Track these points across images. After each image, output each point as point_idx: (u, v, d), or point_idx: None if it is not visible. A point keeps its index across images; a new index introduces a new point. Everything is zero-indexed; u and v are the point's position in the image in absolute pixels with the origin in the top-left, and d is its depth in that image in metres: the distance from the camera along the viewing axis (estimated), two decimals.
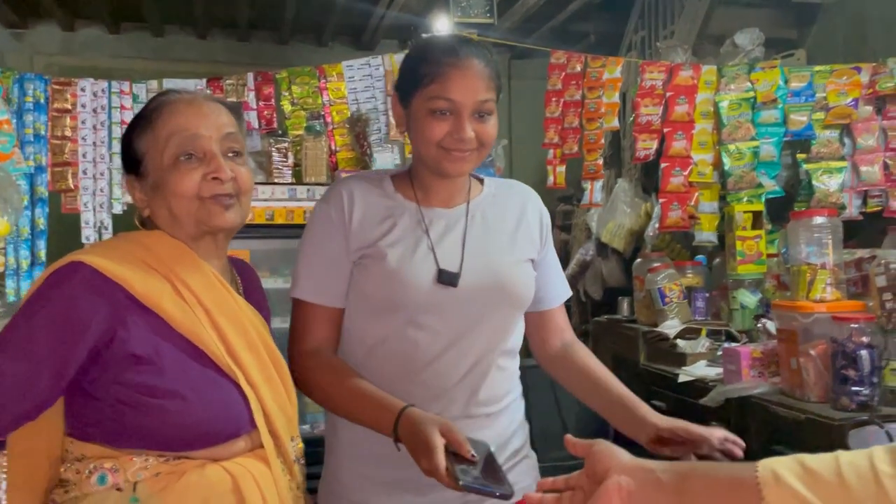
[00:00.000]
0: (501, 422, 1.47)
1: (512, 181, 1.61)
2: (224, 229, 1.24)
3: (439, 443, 1.12)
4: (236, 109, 1.32)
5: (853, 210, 3.46)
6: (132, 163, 1.24)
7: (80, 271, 1.11)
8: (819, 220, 2.50)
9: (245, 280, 1.37)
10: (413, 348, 1.37)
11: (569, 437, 1.03)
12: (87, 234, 3.46)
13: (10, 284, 3.30)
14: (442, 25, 4.28)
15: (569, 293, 1.64)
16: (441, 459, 1.11)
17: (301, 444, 1.30)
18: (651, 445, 1.39)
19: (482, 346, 1.42)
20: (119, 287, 1.12)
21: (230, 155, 1.23)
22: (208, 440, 1.14)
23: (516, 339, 1.52)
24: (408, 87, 1.38)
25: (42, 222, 3.41)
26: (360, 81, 3.80)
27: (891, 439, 1.72)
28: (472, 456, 1.13)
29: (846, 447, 2.10)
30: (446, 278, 1.36)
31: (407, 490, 1.37)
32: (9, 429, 1.10)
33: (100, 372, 1.11)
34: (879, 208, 3.50)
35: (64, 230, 3.80)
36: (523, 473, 1.49)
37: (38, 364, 1.08)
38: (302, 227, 3.32)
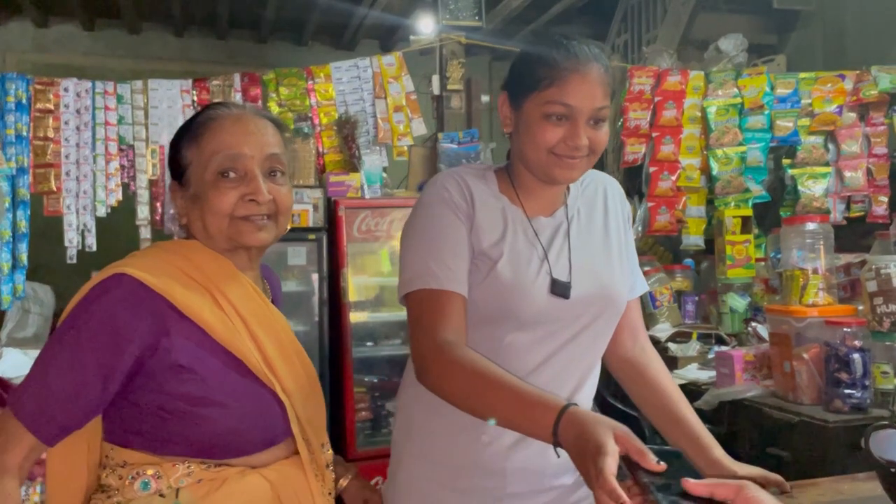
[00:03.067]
0: None
1: (590, 171, 1.49)
2: (255, 248, 1.25)
3: (613, 449, 0.94)
4: (283, 126, 1.31)
5: (837, 215, 3.55)
6: (177, 171, 1.25)
7: (124, 283, 1.12)
8: (811, 226, 2.55)
9: (271, 286, 1.38)
10: (515, 355, 1.32)
11: (692, 482, 0.90)
12: (70, 236, 3.38)
13: None
14: (426, 27, 4.27)
15: (645, 287, 1.55)
16: (612, 466, 0.92)
17: (331, 451, 1.31)
18: None
19: (588, 353, 1.40)
20: (161, 298, 1.13)
21: (271, 174, 1.23)
22: (247, 447, 1.16)
23: None
24: (521, 88, 1.32)
25: (24, 225, 3.31)
26: (349, 83, 3.77)
27: None
28: (658, 462, 0.94)
29: (840, 448, 2.16)
30: (560, 290, 1.32)
31: (487, 500, 1.35)
32: (58, 437, 1.11)
33: (144, 381, 1.12)
34: (862, 213, 3.59)
35: (46, 233, 3.73)
36: None
37: (86, 375, 1.09)
38: (290, 229, 3.36)
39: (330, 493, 1.27)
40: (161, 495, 1.11)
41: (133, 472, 1.13)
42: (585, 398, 1.42)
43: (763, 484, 1.35)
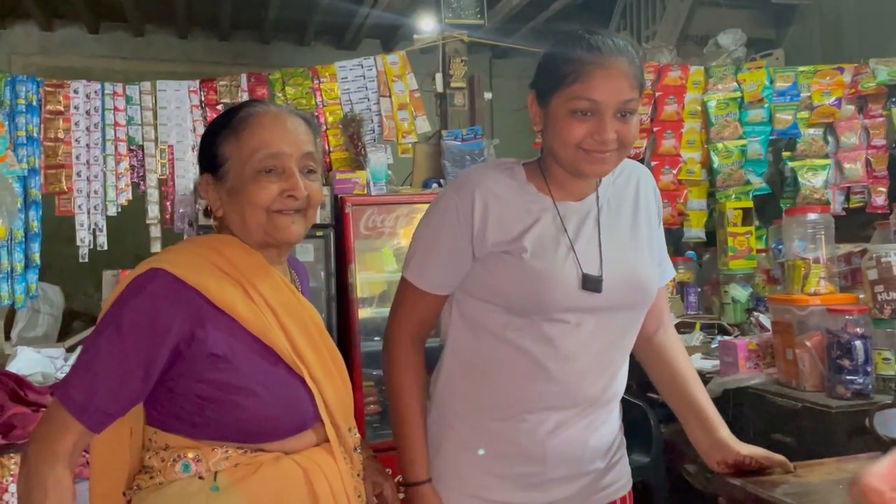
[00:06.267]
0: (615, 415, 1.48)
1: (625, 161, 1.47)
2: (290, 243, 1.30)
3: None
4: (315, 125, 1.36)
5: (836, 206, 3.59)
6: (212, 164, 1.29)
7: (160, 277, 1.17)
8: (813, 216, 2.59)
9: (299, 277, 1.42)
10: (552, 344, 1.35)
11: None
12: (82, 236, 3.43)
13: (3, 288, 3.26)
14: (427, 25, 4.31)
15: (673, 273, 1.58)
16: None
17: (358, 435, 1.36)
18: (721, 467, 1.40)
19: (622, 340, 1.42)
20: (196, 291, 1.18)
21: (305, 171, 1.28)
22: (278, 433, 1.21)
23: None
24: (547, 86, 1.32)
25: (36, 225, 3.37)
26: (353, 82, 3.82)
27: None
28: None
29: (843, 433, 2.20)
30: (591, 285, 1.33)
31: (527, 486, 1.38)
32: (104, 424, 1.16)
33: (182, 370, 1.18)
34: (861, 204, 3.64)
35: (57, 233, 3.78)
36: (625, 470, 1.51)
37: (128, 365, 1.14)
38: None
39: (359, 475, 1.32)
40: (200, 478, 1.17)
41: (174, 455, 1.18)
42: (620, 385, 1.45)
43: (767, 465, 1.40)
